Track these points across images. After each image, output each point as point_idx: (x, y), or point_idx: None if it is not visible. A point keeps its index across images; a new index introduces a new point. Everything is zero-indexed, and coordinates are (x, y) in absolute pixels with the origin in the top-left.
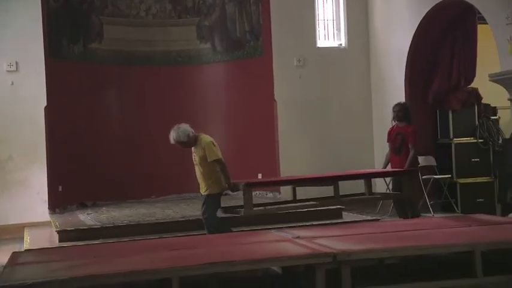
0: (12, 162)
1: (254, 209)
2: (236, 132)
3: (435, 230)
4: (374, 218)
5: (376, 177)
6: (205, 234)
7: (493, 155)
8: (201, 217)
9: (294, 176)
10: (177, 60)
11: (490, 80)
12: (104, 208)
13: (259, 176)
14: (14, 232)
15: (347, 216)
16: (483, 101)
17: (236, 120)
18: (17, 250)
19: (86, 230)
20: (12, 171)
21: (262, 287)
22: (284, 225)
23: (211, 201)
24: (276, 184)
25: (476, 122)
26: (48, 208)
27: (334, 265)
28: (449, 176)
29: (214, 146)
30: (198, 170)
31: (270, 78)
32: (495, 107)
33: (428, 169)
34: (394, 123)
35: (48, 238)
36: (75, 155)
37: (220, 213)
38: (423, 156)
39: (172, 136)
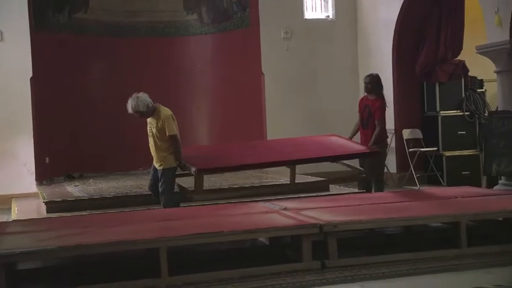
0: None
1: (205, 194)
2: (223, 105)
3: (421, 201)
4: (361, 190)
5: (333, 161)
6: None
7: (479, 128)
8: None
9: (251, 160)
10: (164, 31)
11: (477, 52)
12: (91, 180)
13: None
14: (1, 203)
15: (334, 189)
16: (470, 74)
17: (223, 92)
18: (4, 221)
19: (74, 201)
20: None
21: (250, 258)
22: (272, 198)
23: (168, 176)
24: (230, 170)
25: (463, 95)
26: (36, 179)
27: (321, 236)
28: (436, 148)
29: (174, 120)
30: (153, 142)
31: (257, 50)
32: (482, 80)
33: (414, 142)
34: (365, 94)
35: (35, 209)
36: (62, 127)
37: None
38: (409, 129)
39: (131, 105)
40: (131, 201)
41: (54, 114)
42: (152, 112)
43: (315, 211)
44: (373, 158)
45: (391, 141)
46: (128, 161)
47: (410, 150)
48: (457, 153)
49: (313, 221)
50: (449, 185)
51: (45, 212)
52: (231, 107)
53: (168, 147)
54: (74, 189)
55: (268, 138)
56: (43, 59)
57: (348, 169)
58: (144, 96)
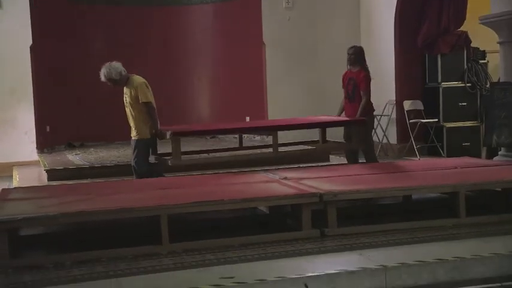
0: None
1: (182, 158)
2: (224, 75)
3: (421, 171)
4: (361, 161)
5: (321, 127)
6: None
7: (480, 99)
8: None
9: (231, 124)
10: (165, 0)
11: (480, 23)
12: (91, 149)
13: (247, 119)
14: (2, 171)
15: (334, 159)
16: (472, 45)
17: (225, 63)
18: (6, 187)
19: (75, 169)
20: None
21: (250, 227)
22: (272, 168)
23: (142, 147)
24: (207, 133)
25: (465, 66)
26: (36, 148)
27: (321, 205)
28: (436, 120)
29: (147, 87)
30: (128, 112)
31: (259, 20)
32: (484, 51)
33: (415, 113)
34: (348, 67)
35: (37, 177)
36: (62, 96)
37: (152, 159)
38: (410, 101)
39: (103, 73)
40: (132, 170)
41: (54, 82)
42: (126, 81)
43: (315, 180)
44: (359, 128)
45: (392, 112)
46: (128, 130)
47: (411, 121)
48: (457, 124)
49: (313, 190)
50: (449, 156)
51: (46, 180)
52: (232, 77)
53: (145, 117)
54: (75, 158)
55: (269, 107)
56: (43, 27)
57: None
58: (117, 65)
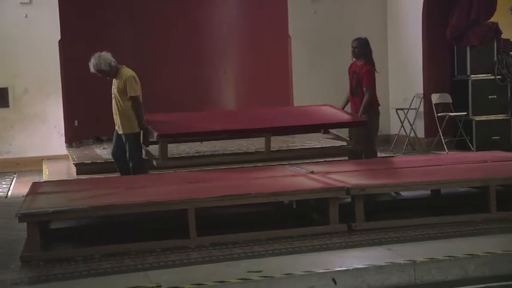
0: (28, 95)
1: (169, 160)
2: (250, 68)
3: (450, 165)
4: (388, 155)
5: (316, 131)
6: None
7: (510, 92)
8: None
9: (220, 127)
10: None
11: (511, 14)
12: None
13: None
14: (32, 165)
15: None
16: (503, 36)
17: (250, 55)
18: (37, 181)
19: (103, 163)
20: (28, 105)
21: (276, 222)
22: (298, 162)
23: (133, 140)
24: (194, 136)
25: (495, 58)
26: (65, 142)
27: (348, 199)
28: (465, 113)
29: (136, 81)
30: (115, 105)
31: (285, 13)
32: None
33: (443, 106)
34: (353, 59)
35: (66, 171)
36: (90, 90)
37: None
38: (439, 94)
39: (93, 63)
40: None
41: (82, 77)
42: (115, 72)
43: (342, 174)
44: (359, 128)
45: (420, 105)
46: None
47: (439, 114)
48: (487, 117)
49: (340, 184)
50: (478, 150)
51: (75, 174)
52: (257, 70)
53: (131, 110)
54: (103, 152)
55: (295, 102)
56: (71, 21)
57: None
58: (106, 55)
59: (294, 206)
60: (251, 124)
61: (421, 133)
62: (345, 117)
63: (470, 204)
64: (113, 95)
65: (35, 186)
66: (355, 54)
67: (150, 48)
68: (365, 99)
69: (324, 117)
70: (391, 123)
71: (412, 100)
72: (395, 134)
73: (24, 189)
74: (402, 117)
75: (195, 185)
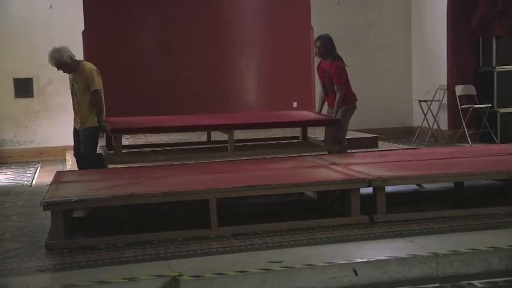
0: (52, 86)
1: (123, 156)
2: (272, 60)
3: (473, 158)
4: (411, 147)
5: (283, 126)
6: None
7: None
8: None
9: (179, 121)
10: None
11: None
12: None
13: (294, 104)
14: (56, 154)
15: (383, 145)
16: None
17: (272, 46)
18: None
19: (125, 153)
20: (52, 96)
21: (297, 213)
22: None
23: (92, 136)
24: (150, 131)
25: None
26: None
27: (370, 191)
28: (490, 105)
29: (98, 75)
30: (76, 100)
31: (307, 4)
32: None
33: (467, 98)
34: (320, 59)
35: None
36: (112, 80)
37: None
38: (463, 85)
39: (54, 56)
40: (181, 155)
41: (105, 68)
42: (76, 67)
43: (363, 166)
44: (331, 129)
45: (443, 97)
46: (178, 114)
47: (463, 106)
48: None
49: (362, 176)
50: (503, 142)
51: None
52: (279, 61)
53: (92, 106)
54: (125, 142)
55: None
56: (95, 12)
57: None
58: (66, 48)
59: (315, 198)
60: (212, 121)
61: (444, 125)
62: (314, 116)
63: (494, 197)
64: (72, 91)
65: (59, 176)
66: (321, 54)
67: (173, 39)
68: (337, 97)
69: (294, 116)
70: (414, 115)
71: (436, 92)
72: (418, 126)
73: (48, 178)
74: (425, 109)
75: (216, 176)
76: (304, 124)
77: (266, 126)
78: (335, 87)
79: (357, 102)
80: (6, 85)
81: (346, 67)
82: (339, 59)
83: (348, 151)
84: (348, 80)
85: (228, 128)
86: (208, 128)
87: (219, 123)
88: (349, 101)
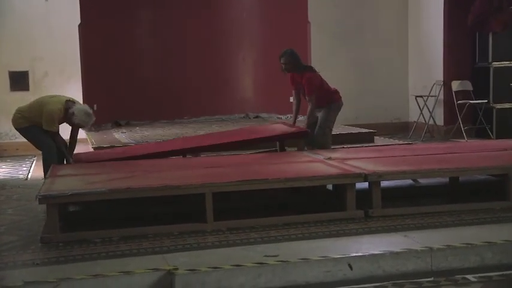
0: (48, 79)
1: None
2: (268, 54)
3: (468, 153)
4: (406, 142)
5: (250, 147)
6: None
7: None
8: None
9: (148, 149)
10: None
11: None
12: (137, 128)
13: (291, 99)
14: None
15: (379, 141)
16: None
17: (269, 41)
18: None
19: (121, 147)
20: (48, 88)
21: (292, 207)
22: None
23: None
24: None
25: None
26: None
27: (365, 186)
28: (486, 101)
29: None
30: None
31: None
32: None
33: (463, 94)
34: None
35: None
36: (109, 74)
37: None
38: (459, 81)
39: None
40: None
41: (101, 61)
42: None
43: (359, 161)
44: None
45: (439, 93)
46: (174, 109)
47: (459, 102)
48: (508, 105)
49: (358, 171)
50: (498, 138)
51: None
52: (276, 56)
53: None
54: (121, 136)
55: None
56: (91, 5)
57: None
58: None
59: (311, 192)
60: (178, 146)
61: (440, 121)
62: (286, 129)
63: (489, 192)
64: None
65: (54, 169)
66: (288, 70)
67: (169, 34)
68: (309, 109)
69: (265, 132)
70: (410, 111)
71: (432, 87)
72: (414, 122)
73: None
74: (421, 104)
75: (212, 170)
76: (273, 139)
77: (234, 147)
78: (307, 98)
79: (343, 99)
80: (1, 78)
81: (317, 73)
82: (308, 69)
83: (344, 146)
84: (323, 84)
85: (196, 151)
86: (177, 153)
87: (188, 146)
88: (329, 100)
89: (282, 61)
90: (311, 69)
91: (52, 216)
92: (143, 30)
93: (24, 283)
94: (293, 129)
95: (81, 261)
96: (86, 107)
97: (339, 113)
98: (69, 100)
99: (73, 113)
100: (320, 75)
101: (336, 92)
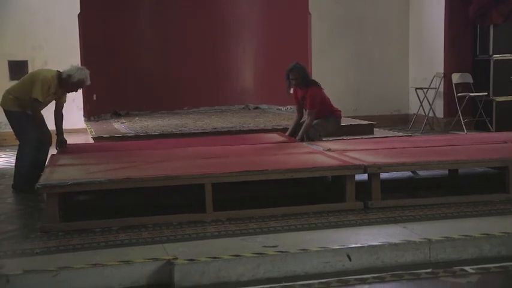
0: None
1: None
2: (269, 45)
3: (468, 145)
4: (406, 134)
5: None
6: None
7: None
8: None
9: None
10: None
11: None
12: (136, 118)
13: (291, 91)
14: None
15: (378, 132)
16: None
17: (269, 32)
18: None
19: (121, 137)
20: None
21: (292, 198)
22: None
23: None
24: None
25: None
26: (84, 116)
27: (365, 177)
28: (486, 93)
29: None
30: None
31: None
32: None
33: (464, 86)
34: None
35: None
36: (108, 65)
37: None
38: (459, 73)
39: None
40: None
41: (101, 51)
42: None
43: (359, 152)
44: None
45: (439, 85)
46: (173, 100)
47: (459, 95)
48: (508, 98)
49: (358, 162)
50: (498, 130)
51: None
52: (276, 47)
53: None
54: (121, 126)
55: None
56: None
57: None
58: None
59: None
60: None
61: (440, 113)
62: (280, 140)
63: (488, 184)
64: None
65: (54, 159)
66: (298, 86)
67: (169, 24)
68: (306, 122)
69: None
70: (410, 103)
71: (432, 79)
72: (414, 114)
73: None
74: (421, 96)
75: (212, 160)
76: None
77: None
78: (308, 111)
79: (342, 118)
80: (1, 68)
81: (322, 89)
82: (314, 84)
83: (344, 138)
84: (325, 100)
85: None
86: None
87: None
88: (330, 113)
89: (291, 76)
90: (316, 84)
91: (52, 206)
92: (143, 20)
93: (23, 272)
94: (287, 140)
95: (80, 250)
96: (76, 65)
97: (339, 105)
98: (58, 71)
99: (69, 75)
100: (324, 92)
101: (338, 110)
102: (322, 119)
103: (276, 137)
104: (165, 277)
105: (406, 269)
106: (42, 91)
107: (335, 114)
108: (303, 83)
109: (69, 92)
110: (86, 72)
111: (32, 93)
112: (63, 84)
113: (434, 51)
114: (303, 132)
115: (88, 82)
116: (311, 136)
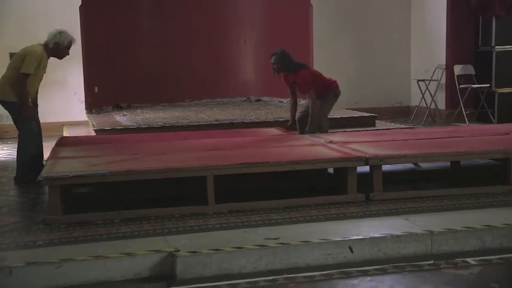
0: (48, 62)
1: None
2: (270, 37)
3: (470, 137)
4: (408, 126)
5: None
6: None
7: None
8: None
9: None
10: None
11: None
12: (138, 110)
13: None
14: (53, 130)
15: (380, 125)
16: None
17: (270, 24)
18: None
19: (123, 130)
20: (48, 71)
21: (294, 190)
22: None
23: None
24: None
25: None
26: (85, 108)
27: (366, 169)
28: (488, 85)
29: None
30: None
31: None
32: None
33: (466, 78)
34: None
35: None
36: (110, 57)
37: None
38: (461, 65)
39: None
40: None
41: (102, 44)
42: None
43: (360, 144)
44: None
45: (441, 77)
46: (175, 92)
47: (461, 86)
48: (510, 89)
49: (359, 154)
50: (500, 122)
51: None
52: (277, 39)
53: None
54: (122, 119)
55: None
56: None
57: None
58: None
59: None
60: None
61: (442, 105)
62: (278, 133)
63: (490, 176)
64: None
65: (56, 151)
66: (277, 70)
67: (171, 16)
68: (310, 106)
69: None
70: (411, 95)
71: (434, 71)
72: (416, 106)
73: (45, 154)
74: (423, 88)
75: (214, 153)
76: None
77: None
78: (306, 95)
79: (339, 88)
80: (2, 60)
81: (310, 69)
82: (300, 67)
83: (345, 130)
84: (317, 77)
85: None
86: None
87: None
88: (327, 89)
89: (271, 61)
90: (303, 66)
91: (54, 198)
92: (145, 12)
93: (26, 264)
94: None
95: (83, 242)
96: (53, 31)
97: (340, 97)
98: (41, 44)
99: (57, 43)
100: (314, 70)
101: (333, 82)
102: (320, 99)
103: (274, 131)
104: (167, 269)
105: (408, 261)
106: (33, 66)
107: (331, 88)
108: (284, 69)
109: (62, 58)
110: (67, 32)
111: (22, 69)
112: (54, 53)
113: (436, 43)
114: (312, 120)
115: (74, 39)
116: (323, 125)
